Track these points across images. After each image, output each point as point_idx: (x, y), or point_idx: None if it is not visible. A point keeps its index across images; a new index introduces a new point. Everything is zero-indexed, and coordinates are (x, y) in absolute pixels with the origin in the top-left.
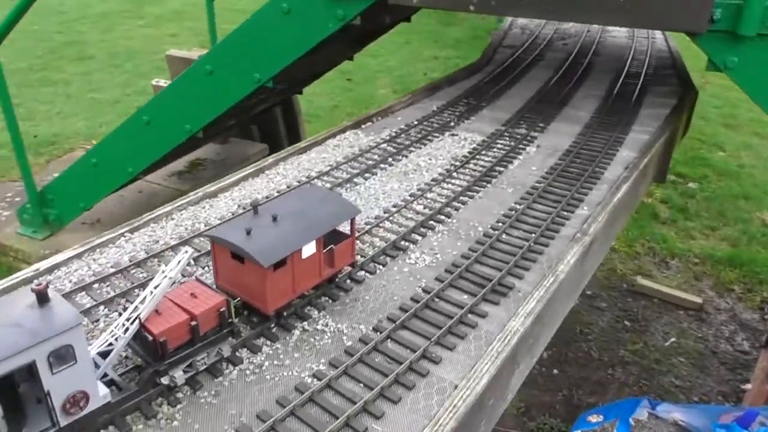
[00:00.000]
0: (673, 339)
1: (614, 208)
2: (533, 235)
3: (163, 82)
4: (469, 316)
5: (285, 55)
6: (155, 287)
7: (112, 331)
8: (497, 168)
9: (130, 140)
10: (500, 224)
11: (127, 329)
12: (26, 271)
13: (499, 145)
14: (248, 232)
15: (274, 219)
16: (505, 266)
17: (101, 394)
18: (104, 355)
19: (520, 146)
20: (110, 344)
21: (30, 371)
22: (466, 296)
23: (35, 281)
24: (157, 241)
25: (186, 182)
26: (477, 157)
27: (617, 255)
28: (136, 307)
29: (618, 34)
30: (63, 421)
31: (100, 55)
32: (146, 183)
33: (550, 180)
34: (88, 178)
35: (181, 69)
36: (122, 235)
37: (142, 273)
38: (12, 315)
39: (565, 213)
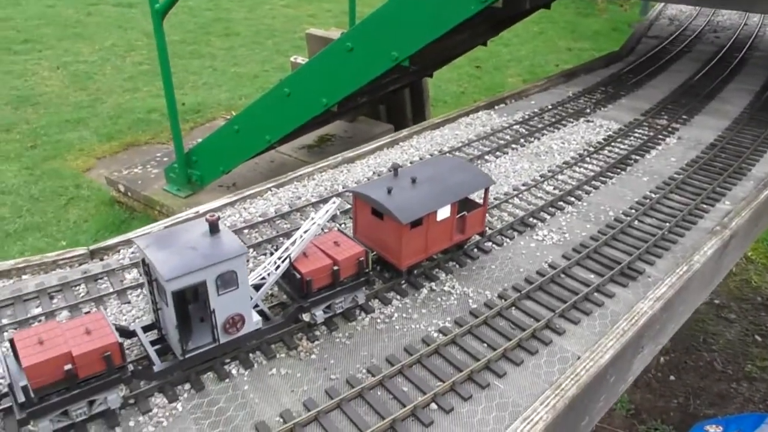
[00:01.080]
0: None
1: (760, 205)
2: (668, 224)
3: (301, 59)
4: (596, 294)
5: (424, 35)
6: (305, 232)
7: (266, 267)
8: (633, 156)
9: (271, 110)
10: (633, 210)
11: (278, 267)
12: (188, 213)
13: (636, 134)
14: (389, 191)
15: (413, 181)
16: (635, 251)
17: (254, 320)
18: (256, 288)
19: (660, 137)
20: (263, 278)
21: (196, 292)
22: (593, 275)
23: (208, 214)
24: (300, 198)
25: (314, 155)
26: (612, 144)
27: (753, 266)
28: (287, 248)
29: None
30: (222, 339)
31: (244, 32)
32: (278, 153)
33: (690, 172)
34: (229, 144)
35: (319, 47)
36: (269, 189)
37: (285, 224)
38: (188, 240)
39: (704, 205)
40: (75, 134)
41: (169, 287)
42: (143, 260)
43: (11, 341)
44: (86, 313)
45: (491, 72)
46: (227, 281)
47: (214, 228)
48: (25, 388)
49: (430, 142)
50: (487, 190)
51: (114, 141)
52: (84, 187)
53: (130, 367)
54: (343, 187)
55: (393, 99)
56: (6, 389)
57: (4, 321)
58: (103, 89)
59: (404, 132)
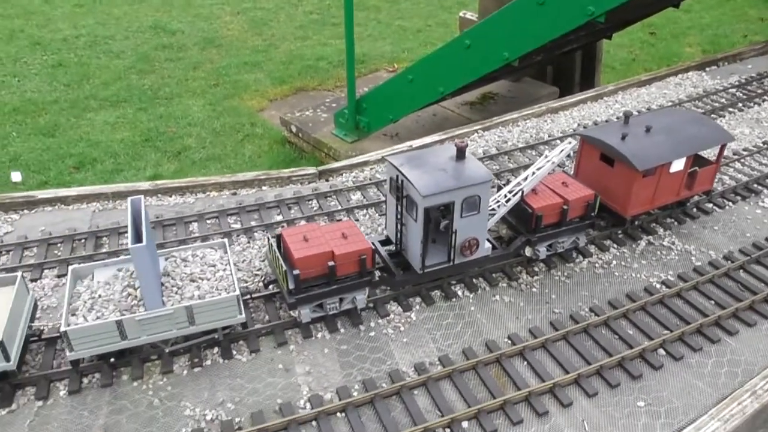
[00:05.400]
0: None
1: None
2: None
3: (470, 15)
4: None
5: None
6: (537, 169)
7: (496, 199)
8: None
9: (448, 62)
10: None
11: (509, 200)
12: (401, 146)
13: None
14: (623, 137)
15: (647, 130)
16: None
17: (485, 246)
18: None
19: None
20: (492, 209)
21: (427, 215)
22: None
23: (456, 140)
24: (506, 142)
25: (476, 113)
26: None
27: None
28: (519, 183)
29: None
30: (457, 260)
31: None
32: (441, 108)
33: None
34: (401, 93)
35: (491, 2)
36: (476, 131)
37: (494, 165)
38: (438, 162)
39: None
40: (251, 76)
41: (423, 203)
42: (394, 177)
43: (279, 236)
44: (338, 220)
45: (667, 39)
46: (471, 205)
47: (461, 154)
48: (295, 277)
49: (636, 99)
50: (723, 147)
51: (285, 85)
52: (258, 126)
53: (377, 273)
54: (548, 136)
55: (562, 61)
56: (273, 276)
57: (252, 223)
58: (277, 35)
59: (609, 87)
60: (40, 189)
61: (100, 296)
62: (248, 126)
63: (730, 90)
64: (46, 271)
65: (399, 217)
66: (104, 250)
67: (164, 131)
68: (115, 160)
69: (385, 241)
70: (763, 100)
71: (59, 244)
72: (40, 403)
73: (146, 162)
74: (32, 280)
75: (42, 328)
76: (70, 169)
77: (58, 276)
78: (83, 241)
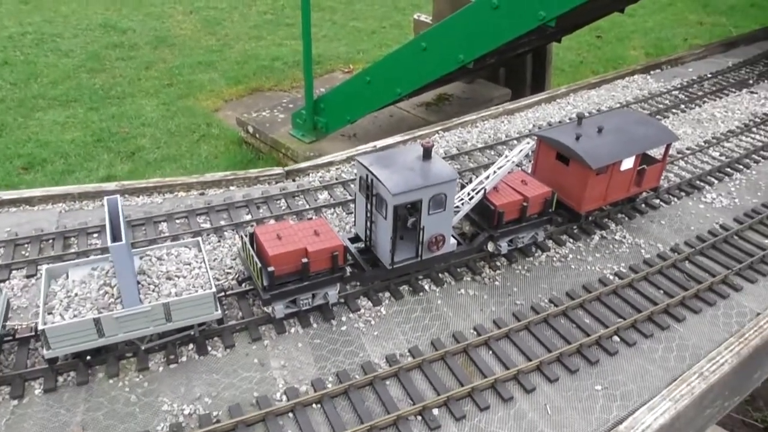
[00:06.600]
0: None
1: None
2: None
3: (424, 17)
4: None
5: None
6: (498, 168)
7: (460, 197)
8: None
9: (405, 63)
10: None
11: (472, 198)
12: (366, 146)
13: None
14: (577, 138)
15: (599, 130)
16: None
17: (451, 242)
18: None
19: None
20: (456, 207)
21: (395, 212)
22: (767, 241)
23: (425, 139)
24: (466, 142)
25: (431, 114)
26: None
27: None
28: (481, 181)
29: None
30: (424, 255)
31: None
32: (397, 109)
33: None
34: (359, 94)
35: (445, 4)
36: (437, 132)
37: (455, 165)
38: (405, 162)
39: None
40: (206, 76)
41: (392, 201)
42: (364, 176)
43: (252, 234)
44: (309, 218)
45: (613, 43)
46: (438, 202)
47: (427, 153)
48: (270, 274)
49: (586, 101)
50: (668, 147)
51: (240, 85)
52: (214, 126)
53: (348, 269)
54: (506, 136)
55: (514, 63)
56: (246, 274)
57: (222, 222)
58: (230, 35)
59: (561, 89)
60: None
61: (76, 295)
62: (204, 126)
63: (673, 92)
64: (14, 272)
65: (368, 215)
66: (73, 251)
67: (117, 131)
68: (66, 160)
69: (354, 239)
70: (704, 102)
71: (26, 245)
72: (15, 402)
73: (99, 163)
74: (0, 281)
75: (16, 327)
76: (18, 169)
77: (27, 276)
78: (51, 241)
